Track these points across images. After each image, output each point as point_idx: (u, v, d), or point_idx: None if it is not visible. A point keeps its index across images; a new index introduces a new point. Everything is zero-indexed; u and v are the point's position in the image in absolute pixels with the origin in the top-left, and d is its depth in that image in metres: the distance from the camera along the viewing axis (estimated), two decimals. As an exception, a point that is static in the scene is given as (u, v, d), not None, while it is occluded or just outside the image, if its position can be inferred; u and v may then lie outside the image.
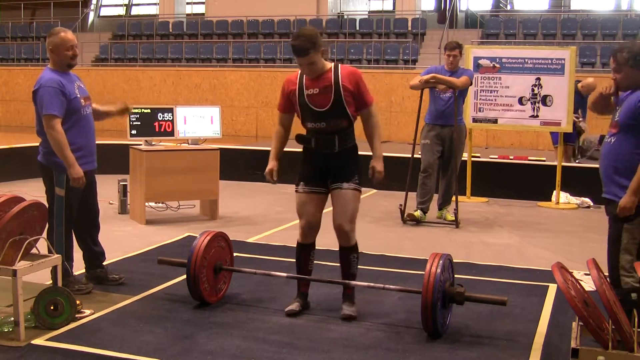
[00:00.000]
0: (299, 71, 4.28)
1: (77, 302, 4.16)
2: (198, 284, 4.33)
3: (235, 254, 4.83)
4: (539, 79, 8.43)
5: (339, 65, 4.29)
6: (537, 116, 8.48)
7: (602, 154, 3.97)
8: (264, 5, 19.26)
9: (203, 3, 22.39)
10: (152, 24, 20.13)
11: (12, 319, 3.83)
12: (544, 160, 9.78)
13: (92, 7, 24.65)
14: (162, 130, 7.20)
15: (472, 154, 9.10)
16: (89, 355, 3.65)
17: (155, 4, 24.02)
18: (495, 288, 4.98)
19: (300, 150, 4.38)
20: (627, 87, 3.82)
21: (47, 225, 4.33)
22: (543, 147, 13.22)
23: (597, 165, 4.21)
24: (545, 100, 8.44)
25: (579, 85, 9.17)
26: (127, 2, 26.02)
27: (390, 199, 8.49)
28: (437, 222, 7.45)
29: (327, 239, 4.52)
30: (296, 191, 4.36)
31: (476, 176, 8.95)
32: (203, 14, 21.77)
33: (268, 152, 4.54)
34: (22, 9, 23.26)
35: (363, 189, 4.36)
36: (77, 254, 4.82)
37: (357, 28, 18.48)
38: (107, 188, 7.64)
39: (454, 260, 4.28)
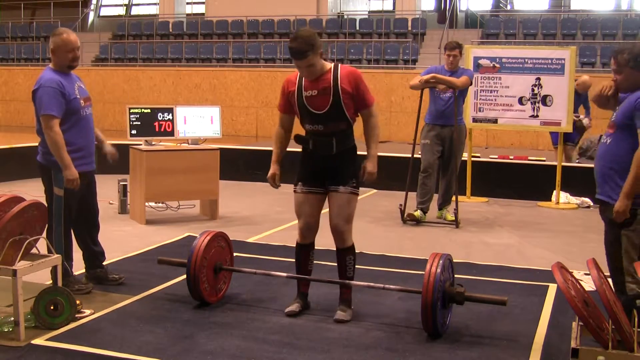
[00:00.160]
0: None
1: (77, 302, 4.16)
2: (198, 284, 4.33)
3: (235, 254, 4.83)
4: (539, 79, 8.43)
5: (339, 65, 4.25)
6: (537, 116, 8.48)
7: (598, 154, 3.95)
8: (264, 5, 19.26)
9: (203, 3, 22.39)
10: (152, 24, 20.13)
11: (12, 319, 3.83)
12: (544, 160, 9.79)
13: (92, 7, 24.66)
14: (162, 130, 7.20)
15: (472, 154, 9.10)
16: (89, 355, 3.65)
17: (155, 4, 24.03)
18: (495, 288, 4.97)
19: (300, 150, 4.38)
20: (627, 88, 3.81)
21: (47, 225, 4.34)
22: (543, 147, 13.22)
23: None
24: (545, 100, 8.44)
25: (575, 83, 9.17)
26: (127, 2, 26.03)
27: (390, 199, 8.48)
28: (437, 222, 7.45)
29: (326, 239, 4.52)
30: (294, 191, 4.36)
31: (476, 176, 8.95)
32: (203, 14, 21.77)
33: (268, 152, 4.54)
34: (22, 9, 23.27)
35: (363, 189, 4.35)
36: (77, 254, 4.82)
37: (357, 28, 18.48)
38: (107, 188, 7.64)
39: (454, 260, 4.28)
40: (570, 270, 3.68)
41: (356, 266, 4.39)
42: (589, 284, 4.40)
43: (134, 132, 7.10)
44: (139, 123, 7.10)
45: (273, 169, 4.40)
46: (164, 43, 18.93)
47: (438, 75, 7.16)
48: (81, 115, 4.60)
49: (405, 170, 7.49)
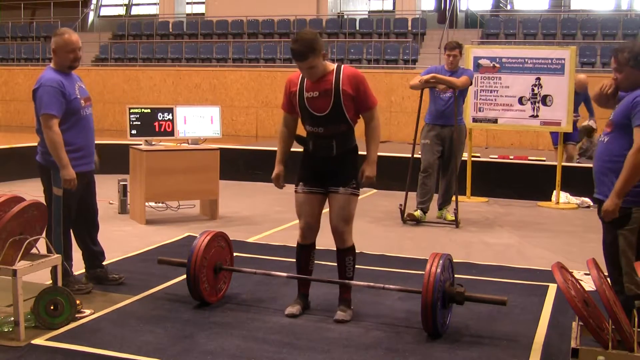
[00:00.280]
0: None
1: (77, 302, 4.16)
2: (198, 284, 4.33)
3: (235, 254, 4.83)
4: (539, 78, 8.43)
5: (342, 67, 4.20)
6: (537, 116, 8.49)
7: (596, 153, 3.95)
8: (264, 5, 19.26)
9: (203, 3, 22.38)
10: (152, 24, 20.13)
11: (12, 319, 3.83)
12: (544, 160, 9.79)
13: (92, 7, 24.65)
14: (162, 130, 7.20)
15: (472, 154, 9.10)
16: (89, 355, 3.65)
17: (155, 4, 24.02)
18: (495, 288, 4.97)
19: (302, 150, 4.38)
20: (627, 87, 3.81)
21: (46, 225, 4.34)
22: (543, 147, 13.22)
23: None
24: (545, 100, 8.44)
25: None
26: (127, 2, 26.03)
27: (390, 199, 8.48)
28: (437, 222, 7.45)
29: (327, 239, 4.52)
30: (295, 191, 4.36)
31: (476, 176, 8.96)
32: (203, 14, 21.77)
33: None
34: (22, 9, 23.27)
35: (363, 189, 4.35)
36: (77, 253, 4.82)
37: (357, 28, 18.48)
38: (107, 188, 7.65)
39: (454, 260, 4.28)
40: (570, 270, 3.68)
41: (356, 266, 4.38)
42: (589, 284, 4.40)
43: (134, 132, 7.10)
44: (139, 123, 7.10)
45: (277, 169, 4.39)
46: (164, 43, 18.93)
47: (438, 75, 7.16)
48: (81, 115, 4.60)
49: (405, 170, 7.49)
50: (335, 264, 4.39)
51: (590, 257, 3.57)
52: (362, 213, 7.20)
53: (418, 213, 7.32)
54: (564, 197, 8.64)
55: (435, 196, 7.54)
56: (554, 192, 8.65)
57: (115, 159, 8.49)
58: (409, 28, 17.86)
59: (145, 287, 4.82)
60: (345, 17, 19.67)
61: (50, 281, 4.41)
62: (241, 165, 10.21)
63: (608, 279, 3.72)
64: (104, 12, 26.15)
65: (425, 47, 17.10)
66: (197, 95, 16.26)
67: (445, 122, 7.26)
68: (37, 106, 4.48)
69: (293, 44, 4.04)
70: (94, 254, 4.89)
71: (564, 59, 8.35)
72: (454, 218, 7.27)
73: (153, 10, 24.58)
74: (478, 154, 9.92)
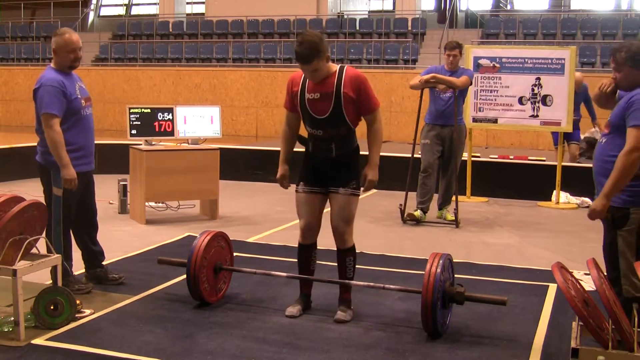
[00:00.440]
0: None
1: (77, 301, 4.16)
2: (198, 284, 4.33)
3: (235, 254, 4.83)
4: (539, 78, 8.43)
5: (344, 69, 4.15)
6: (537, 116, 8.49)
7: (595, 154, 3.94)
8: (264, 5, 19.25)
9: (203, 3, 22.38)
10: (152, 24, 20.13)
11: (12, 318, 3.83)
12: (544, 160, 9.79)
13: (92, 7, 24.64)
14: (162, 130, 7.20)
15: (472, 154, 9.10)
16: (89, 355, 3.65)
17: (155, 3, 24.01)
18: (495, 288, 4.97)
19: (303, 150, 4.37)
20: (626, 86, 3.81)
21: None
22: (543, 147, 13.21)
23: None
24: (545, 100, 8.44)
25: None
26: (127, 2, 26.02)
27: (390, 199, 8.48)
28: (437, 222, 7.45)
29: (327, 239, 4.52)
30: (296, 191, 4.36)
31: (476, 176, 8.95)
32: (203, 14, 21.76)
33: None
34: (22, 9, 23.26)
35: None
36: (77, 253, 4.82)
37: (357, 28, 18.47)
38: (107, 188, 7.65)
39: (454, 260, 4.28)
40: (570, 270, 3.68)
41: (356, 266, 4.38)
42: (589, 284, 4.40)
43: (134, 132, 7.10)
44: (139, 123, 7.10)
45: (282, 169, 4.39)
46: (164, 43, 18.93)
47: (438, 75, 7.16)
48: (82, 115, 4.60)
49: (405, 170, 7.49)
50: (336, 264, 4.39)
51: (590, 257, 3.56)
52: (362, 213, 7.20)
53: (418, 213, 7.32)
54: (564, 197, 8.65)
55: (435, 196, 7.54)
56: (554, 192, 8.65)
57: (115, 159, 8.49)
58: (409, 28, 17.86)
59: (145, 287, 4.82)
60: (345, 17, 19.66)
61: (50, 281, 4.41)
62: (241, 165, 10.20)
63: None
64: (104, 12, 26.15)
65: (425, 47, 17.10)
66: (197, 95, 16.26)
67: (445, 122, 7.26)
68: (38, 106, 4.48)
69: (298, 46, 3.98)
70: (93, 254, 4.89)
71: (564, 59, 8.35)
72: (454, 218, 7.27)
73: (153, 10, 24.57)
74: (478, 154, 9.92)
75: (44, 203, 4.31)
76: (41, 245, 4.17)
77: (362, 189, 4.29)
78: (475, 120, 8.69)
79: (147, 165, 6.95)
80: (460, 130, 7.35)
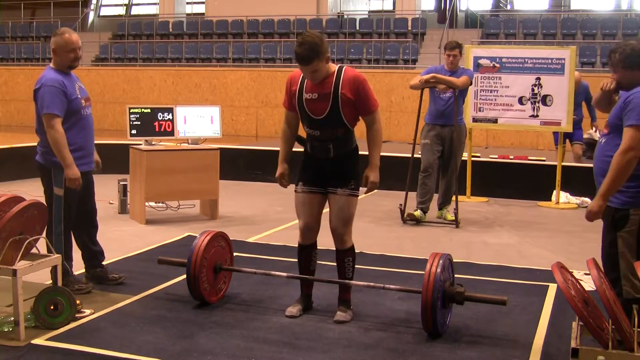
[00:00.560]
0: None
1: (77, 301, 4.16)
2: (198, 283, 4.33)
3: (235, 254, 4.84)
4: (539, 78, 8.43)
5: (343, 69, 4.13)
6: (537, 116, 8.49)
7: (595, 154, 3.94)
8: (264, 5, 19.25)
9: (203, 3, 22.37)
10: (152, 24, 20.12)
11: (12, 318, 3.83)
12: (544, 160, 9.79)
13: (92, 7, 24.64)
14: (162, 130, 7.20)
15: (472, 154, 9.10)
16: (89, 355, 3.65)
17: (155, 3, 24.00)
18: (495, 288, 4.98)
19: (302, 150, 4.37)
20: (626, 86, 3.81)
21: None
22: (543, 147, 13.21)
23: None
24: (545, 100, 8.44)
25: None
26: (127, 2, 26.02)
27: (390, 199, 8.49)
28: (437, 222, 7.45)
29: (326, 239, 4.52)
30: (295, 191, 4.35)
31: (476, 176, 8.96)
32: (203, 14, 21.75)
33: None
34: (22, 9, 23.25)
35: (363, 189, 4.34)
36: (77, 253, 4.82)
37: (357, 28, 18.47)
38: (107, 188, 7.66)
39: (454, 260, 4.28)
40: (570, 270, 3.68)
41: (356, 266, 4.38)
42: (589, 284, 4.40)
43: (134, 132, 7.10)
44: (139, 123, 7.10)
45: (281, 168, 4.38)
46: (164, 43, 18.92)
47: (438, 75, 7.16)
48: (82, 115, 4.60)
49: (405, 170, 7.49)
50: (335, 264, 4.39)
51: (590, 257, 3.56)
52: (362, 213, 7.20)
53: (418, 213, 7.32)
54: (564, 197, 8.65)
55: (435, 196, 7.54)
56: (554, 192, 8.65)
57: (115, 159, 8.48)
58: (409, 28, 17.85)
59: (145, 287, 4.82)
60: (345, 17, 19.65)
61: (50, 281, 4.41)
62: (241, 165, 10.20)
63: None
64: (104, 12, 26.14)
65: (425, 47, 17.10)
66: (197, 95, 16.25)
67: (445, 122, 7.26)
68: (39, 106, 4.48)
69: (298, 47, 3.96)
70: (93, 254, 4.89)
71: (564, 59, 8.36)
72: (454, 218, 7.27)
73: (153, 10, 24.57)
74: (478, 154, 9.92)
75: (44, 203, 4.31)
76: (41, 245, 4.17)
77: (361, 189, 4.30)
78: (475, 120, 8.69)
79: (147, 165, 6.95)
80: (460, 130, 7.35)
